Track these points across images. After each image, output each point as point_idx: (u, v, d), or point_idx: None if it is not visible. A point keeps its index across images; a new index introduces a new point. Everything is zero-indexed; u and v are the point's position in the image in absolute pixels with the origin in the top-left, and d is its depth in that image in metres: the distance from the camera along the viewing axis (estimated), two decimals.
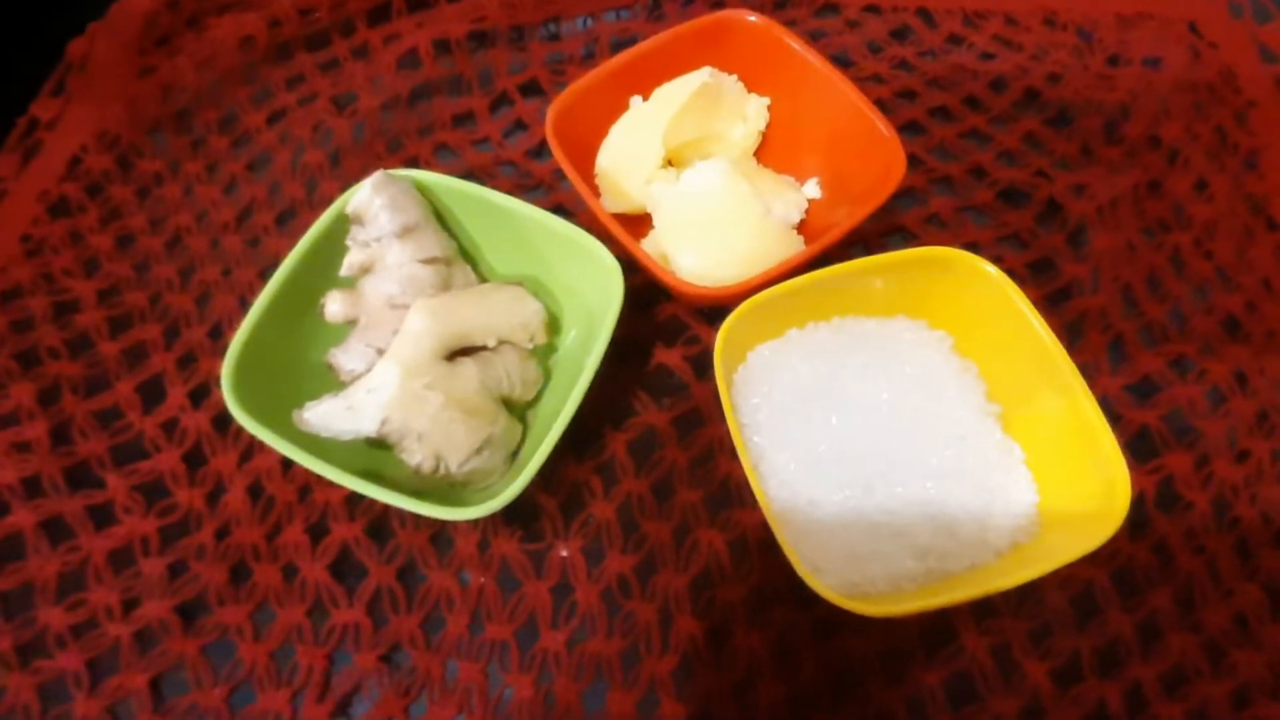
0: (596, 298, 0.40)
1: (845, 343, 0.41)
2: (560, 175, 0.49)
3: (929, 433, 0.38)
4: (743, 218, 0.42)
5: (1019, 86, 0.52)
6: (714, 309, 0.44)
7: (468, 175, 0.46)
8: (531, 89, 0.53)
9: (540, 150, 0.51)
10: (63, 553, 0.39)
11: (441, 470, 0.36)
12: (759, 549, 0.39)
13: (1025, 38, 0.55)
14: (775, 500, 0.36)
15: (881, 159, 0.42)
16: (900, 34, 0.55)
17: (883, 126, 0.42)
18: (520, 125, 0.52)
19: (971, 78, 0.53)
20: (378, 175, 0.39)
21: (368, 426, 0.36)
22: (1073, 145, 0.50)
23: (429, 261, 0.40)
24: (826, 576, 0.34)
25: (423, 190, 0.41)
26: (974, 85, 0.53)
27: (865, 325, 0.41)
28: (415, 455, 0.36)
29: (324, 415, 0.36)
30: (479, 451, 0.37)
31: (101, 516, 0.40)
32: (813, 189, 0.47)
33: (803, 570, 0.32)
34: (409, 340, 0.37)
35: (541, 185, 0.50)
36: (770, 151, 0.48)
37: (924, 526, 0.36)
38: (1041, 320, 0.37)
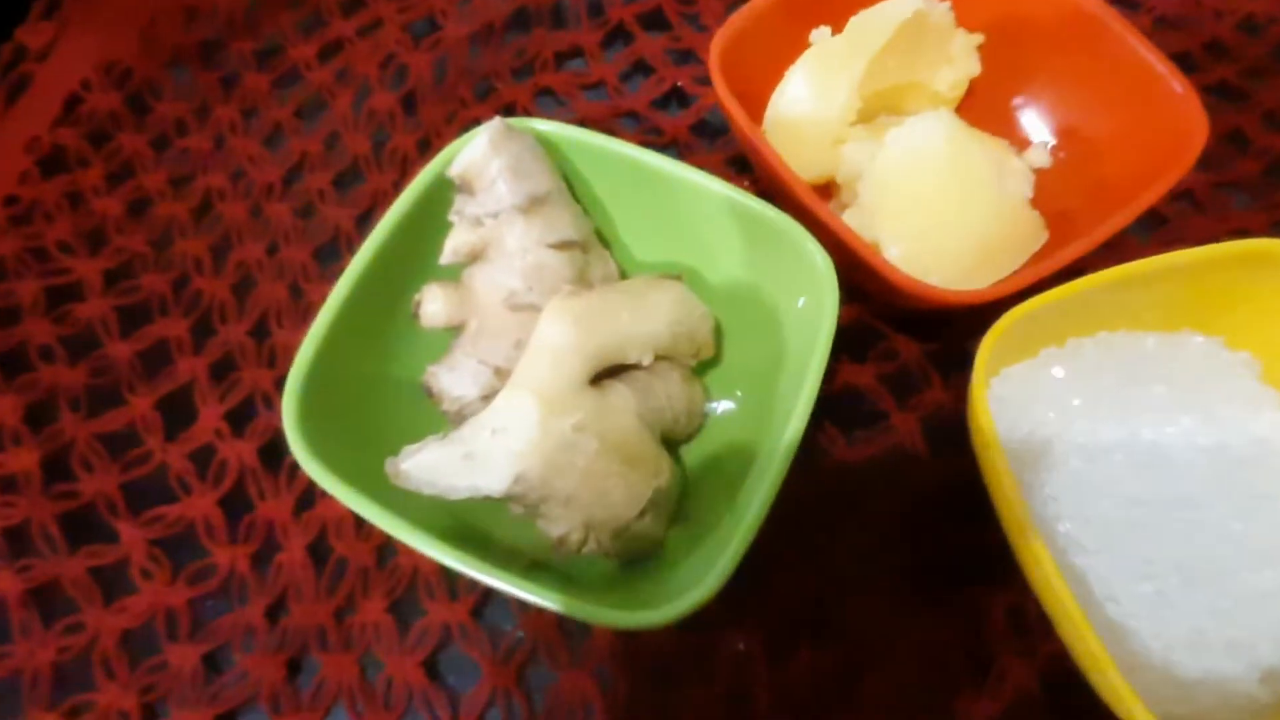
0: (785, 299, 0.29)
1: (1123, 366, 0.30)
2: (701, 132, 0.39)
3: (1262, 498, 0.27)
4: (975, 192, 0.31)
5: (1278, 30, 0.41)
6: (918, 315, 0.33)
7: None
8: (655, 22, 0.42)
9: (669, 100, 0.40)
10: (58, 634, 0.29)
11: (591, 544, 0.26)
12: (1010, 643, 0.29)
13: None
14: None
15: (1169, 122, 0.31)
16: None
17: (1172, 78, 0.31)
18: (642, 68, 0.41)
19: (1214, 17, 0.42)
20: (496, 125, 0.29)
21: (494, 484, 0.25)
22: None
23: (563, 246, 0.29)
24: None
25: (544, 146, 0.30)
26: (1217, 27, 0.41)
27: (1143, 344, 0.31)
28: (559, 525, 0.25)
29: (430, 467, 0.25)
30: (642, 515, 0.26)
31: (112, 583, 0.30)
32: (1039, 156, 0.35)
33: (1112, 697, 0.22)
34: (546, 357, 0.26)
35: (674, 145, 0.39)
36: (975, 106, 0.37)
37: (1268, 636, 0.26)
38: None
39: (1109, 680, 0.23)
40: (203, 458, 0.32)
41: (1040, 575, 0.25)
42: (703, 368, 0.31)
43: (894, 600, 0.30)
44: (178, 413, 0.33)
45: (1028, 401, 0.29)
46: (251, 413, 0.33)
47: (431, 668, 0.29)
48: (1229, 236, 0.30)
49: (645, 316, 0.28)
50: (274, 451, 0.32)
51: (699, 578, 0.24)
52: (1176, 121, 0.31)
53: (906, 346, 0.34)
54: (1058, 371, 0.30)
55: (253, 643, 0.29)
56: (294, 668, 0.29)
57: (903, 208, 0.31)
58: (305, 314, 0.35)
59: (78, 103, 0.39)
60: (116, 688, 0.28)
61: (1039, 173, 0.35)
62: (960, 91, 0.37)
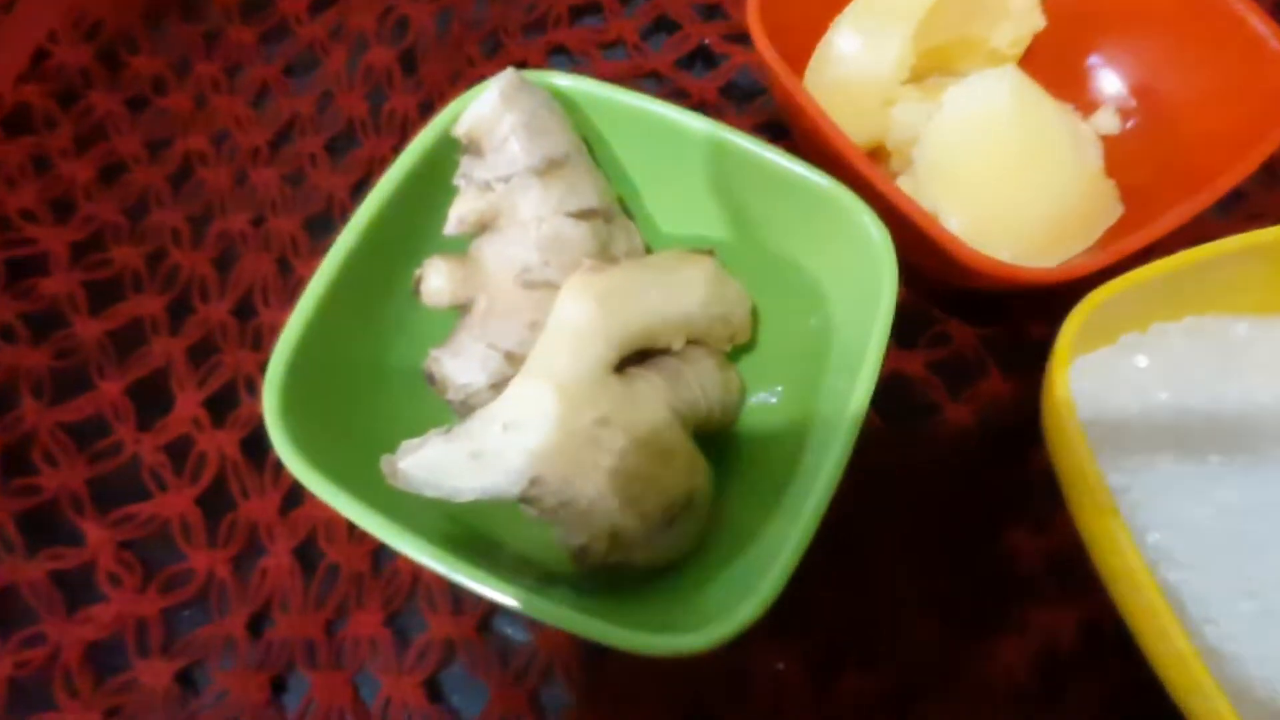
0: (831, 278, 0.26)
1: (1213, 355, 0.27)
2: (730, 94, 0.35)
3: None
4: (1047, 159, 0.28)
5: None
6: (974, 295, 0.30)
7: None
8: None
9: (694, 60, 0.37)
10: (15, 647, 0.26)
11: (617, 555, 0.23)
12: (1082, 668, 0.26)
13: None
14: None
15: (1263, 85, 0.28)
16: None
17: (1270, 35, 0.28)
18: (665, 25, 0.37)
19: None
20: (509, 77, 0.25)
21: (506, 486, 0.22)
22: None
23: (583, 215, 0.25)
24: None
25: (561, 102, 0.27)
26: None
27: (1235, 329, 0.27)
28: (579, 534, 0.22)
29: (432, 466, 0.22)
30: (673, 522, 0.23)
31: (76, 590, 0.27)
32: (1108, 121, 0.32)
33: None
34: (565, 342, 0.23)
35: (701, 108, 0.35)
36: (1035, 65, 0.34)
37: None
38: None
39: (1215, 711, 0.20)
40: (179, 450, 0.29)
41: (1132, 593, 0.21)
42: (736, 353, 0.28)
43: (949, 618, 0.26)
44: (152, 400, 0.30)
45: (1106, 394, 0.26)
46: (234, 400, 0.30)
47: (433, 688, 0.26)
48: None
49: (676, 296, 0.25)
50: (258, 444, 0.29)
51: (741, 595, 0.21)
52: (1272, 85, 0.27)
53: (960, 331, 0.31)
54: (1140, 360, 0.26)
55: (233, 658, 0.26)
56: (279, 686, 0.26)
57: (964, 176, 0.28)
58: (294, 291, 0.31)
59: (44, 57, 0.36)
60: (79, 707, 0.25)
61: (1106, 140, 0.32)
62: (1021, 49, 0.33)
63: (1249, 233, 0.26)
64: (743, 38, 0.36)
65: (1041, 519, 0.27)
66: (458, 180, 0.26)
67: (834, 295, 0.26)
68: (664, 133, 0.27)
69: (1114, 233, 0.29)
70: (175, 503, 0.28)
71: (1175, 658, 0.20)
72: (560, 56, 0.37)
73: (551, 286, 0.25)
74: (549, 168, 0.25)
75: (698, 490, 0.24)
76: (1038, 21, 0.33)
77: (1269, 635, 0.23)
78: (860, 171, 0.26)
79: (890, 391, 0.30)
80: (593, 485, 0.22)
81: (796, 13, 0.31)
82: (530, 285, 0.25)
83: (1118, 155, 0.31)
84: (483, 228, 0.26)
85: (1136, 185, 0.30)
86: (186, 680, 0.26)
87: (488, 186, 0.25)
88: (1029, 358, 0.30)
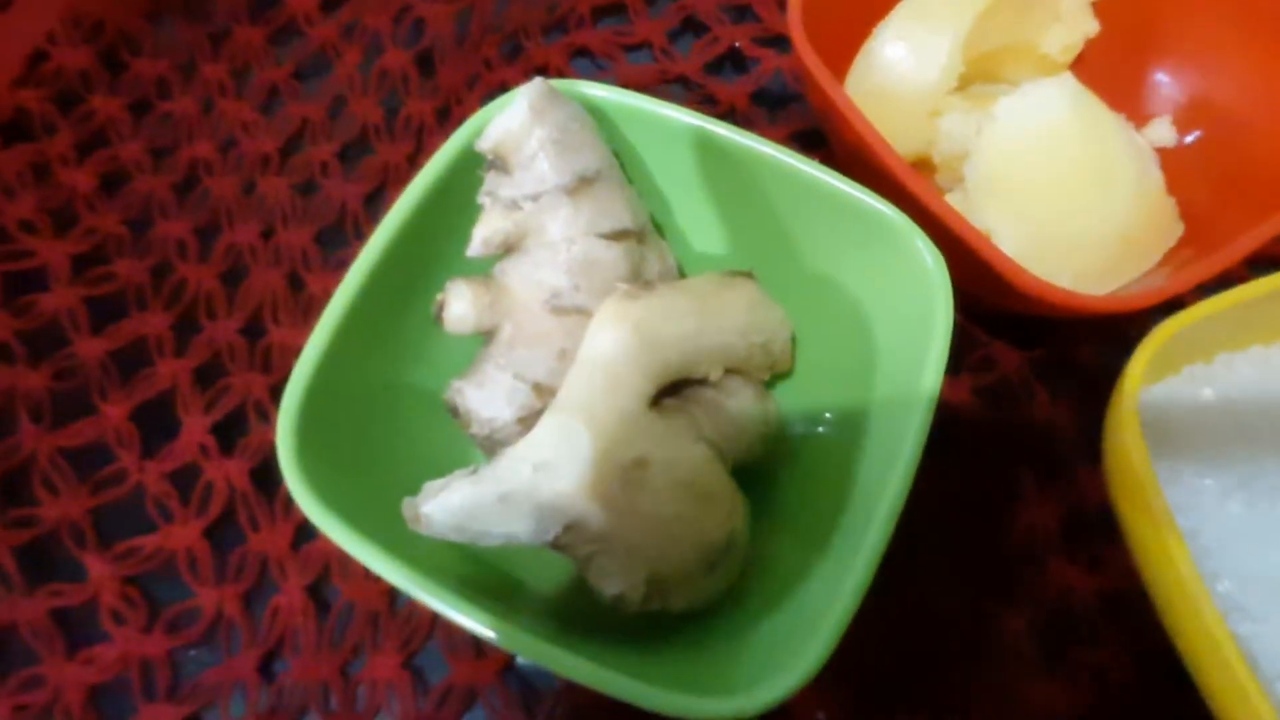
0: (877, 303, 0.25)
1: None
2: (762, 101, 0.34)
3: None
4: (1109, 175, 0.26)
5: None
6: (1022, 318, 0.28)
7: None
8: None
9: (723, 64, 0.35)
10: (14, 690, 0.25)
11: (656, 602, 0.21)
12: (1135, 712, 0.24)
13: None
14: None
15: None
16: None
17: None
18: (693, 26, 0.36)
19: None
20: (538, 87, 0.23)
21: (537, 533, 0.20)
22: None
23: (616, 236, 0.24)
24: None
25: (593, 114, 0.25)
26: None
27: None
28: (616, 581, 0.21)
29: (458, 510, 0.20)
30: (712, 567, 0.22)
31: (78, 629, 0.26)
32: (1164, 133, 0.30)
33: None
34: (599, 375, 0.21)
35: (731, 115, 0.34)
36: (1087, 72, 0.32)
37: None
38: None
39: None
40: (186, 479, 0.27)
41: (1204, 646, 0.20)
42: (773, 382, 0.27)
43: (1003, 660, 0.25)
44: (157, 424, 0.28)
45: (1171, 430, 0.24)
46: (243, 427, 0.28)
47: None
48: None
49: (715, 323, 0.23)
50: (269, 473, 0.27)
51: (787, 652, 0.19)
52: None
53: (1005, 354, 0.29)
54: (1207, 393, 0.25)
55: (244, 703, 0.25)
56: None
57: (1020, 193, 0.26)
58: (306, 309, 0.30)
59: (42, 59, 0.34)
60: None
61: (1161, 154, 0.30)
62: (1072, 55, 0.32)
63: None
64: (775, 41, 0.35)
65: (1095, 555, 0.26)
66: (482, 198, 0.24)
67: (881, 322, 0.24)
68: (701, 147, 0.25)
69: (1174, 253, 0.28)
70: (182, 535, 0.27)
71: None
72: (583, 59, 0.35)
73: (582, 313, 0.23)
74: (580, 186, 0.23)
75: (738, 531, 0.22)
76: (1090, 26, 0.31)
77: None
78: (908, 188, 0.24)
79: (936, 419, 0.28)
80: (630, 530, 0.20)
81: (837, 16, 0.29)
82: (560, 311, 0.24)
83: (1174, 170, 0.29)
84: (509, 249, 0.24)
85: (1194, 202, 0.29)
86: None
87: (514, 205, 0.24)
88: (1078, 384, 0.29)
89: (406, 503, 0.21)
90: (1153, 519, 0.21)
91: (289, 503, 0.27)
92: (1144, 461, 0.21)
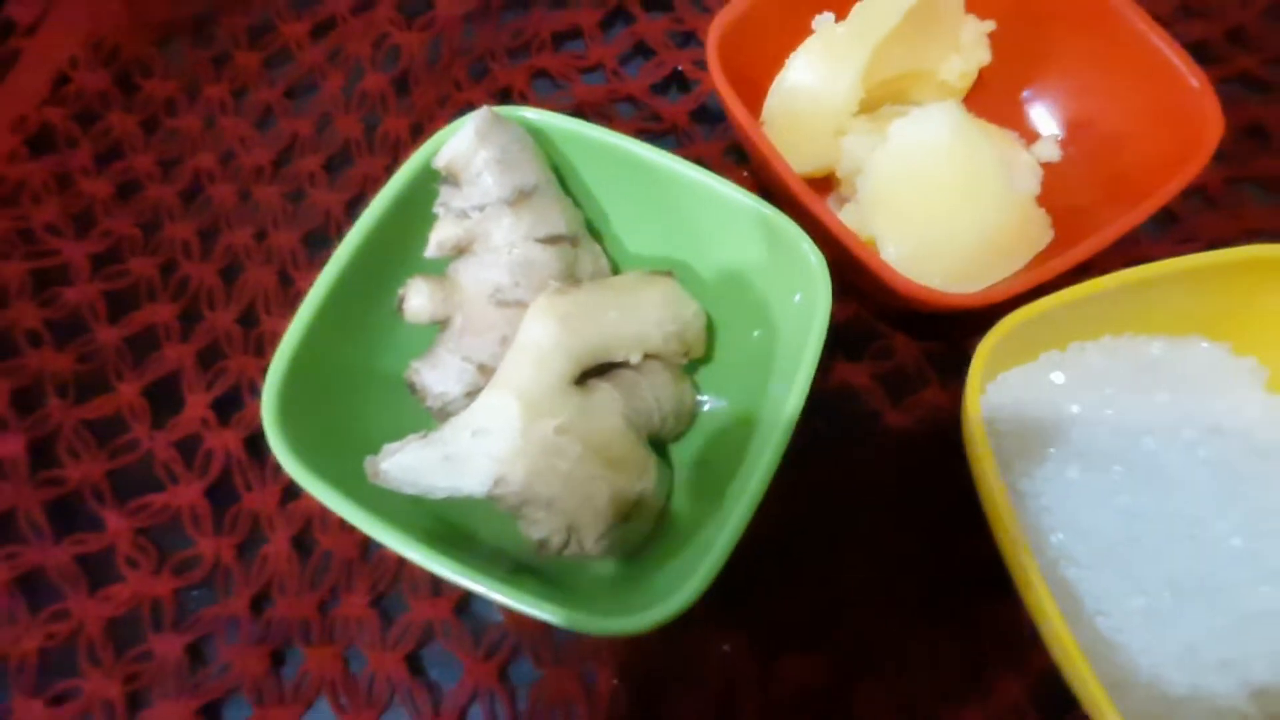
0: (778, 296, 0.29)
1: (1126, 373, 0.29)
2: (701, 118, 0.38)
3: (1264, 513, 0.27)
4: (980, 189, 0.30)
5: None
6: (918, 313, 0.32)
7: (575, 114, 0.34)
8: (657, 2, 0.40)
9: (669, 85, 0.39)
10: (44, 621, 0.29)
11: (574, 547, 0.26)
12: (1002, 656, 0.28)
13: None
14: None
15: (1184, 116, 0.30)
16: None
17: (1188, 71, 0.30)
18: (642, 50, 0.40)
19: (1239, 4, 0.40)
20: (483, 115, 0.28)
21: (473, 486, 0.25)
22: None
23: (551, 241, 0.28)
24: None
25: (533, 136, 0.29)
26: (1242, 14, 0.40)
27: (1149, 349, 0.30)
28: (540, 528, 0.25)
29: (409, 467, 0.25)
30: (626, 519, 0.26)
31: (98, 571, 0.30)
32: (1049, 149, 0.34)
33: (1095, 713, 0.21)
34: (530, 357, 0.26)
35: (673, 132, 0.38)
36: (983, 97, 0.36)
37: (1263, 653, 0.25)
38: None
39: (1092, 696, 0.22)
40: (189, 447, 0.32)
41: (1028, 588, 0.24)
42: (693, 365, 0.31)
43: (887, 609, 0.29)
44: (165, 400, 0.33)
45: (1024, 408, 0.28)
46: (238, 402, 0.32)
47: (414, 662, 0.29)
48: (1243, 235, 0.29)
49: (634, 315, 0.28)
50: (260, 442, 0.32)
51: (680, 583, 0.24)
52: (1191, 116, 0.30)
53: (905, 345, 0.33)
54: (1057, 377, 0.29)
55: (237, 634, 0.29)
56: (277, 660, 0.29)
57: (903, 204, 0.30)
58: (293, 301, 0.34)
59: (65, 81, 0.38)
60: (101, 676, 0.28)
61: (1047, 167, 0.34)
62: (969, 81, 0.36)
63: (1162, 261, 0.28)
64: None
65: (973, 520, 0.30)
66: (437, 208, 0.28)
67: (778, 312, 0.29)
68: (627, 164, 0.29)
69: (1044, 255, 0.32)
70: (186, 494, 0.31)
71: (1061, 648, 0.23)
72: (543, 80, 0.39)
73: (522, 305, 0.27)
74: (519, 198, 0.28)
75: (648, 492, 0.27)
76: (984, 56, 0.35)
77: (1153, 629, 0.25)
78: (801, 201, 0.28)
79: (837, 400, 0.32)
80: (551, 486, 0.25)
81: (756, 47, 0.33)
82: (502, 304, 0.28)
83: (1058, 182, 0.34)
84: (460, 251, 0.28)
85: (1073, 208, 0.32)
86: (196, 653, 0.29)
87: (464, 214, 0.28)
88: (965, 371, 0.33)
89: (368, 460, 0.25)
90: (989, 483, 0.25)
91: (277, 468, 0.31)
92: (981, 435, 0.25)
